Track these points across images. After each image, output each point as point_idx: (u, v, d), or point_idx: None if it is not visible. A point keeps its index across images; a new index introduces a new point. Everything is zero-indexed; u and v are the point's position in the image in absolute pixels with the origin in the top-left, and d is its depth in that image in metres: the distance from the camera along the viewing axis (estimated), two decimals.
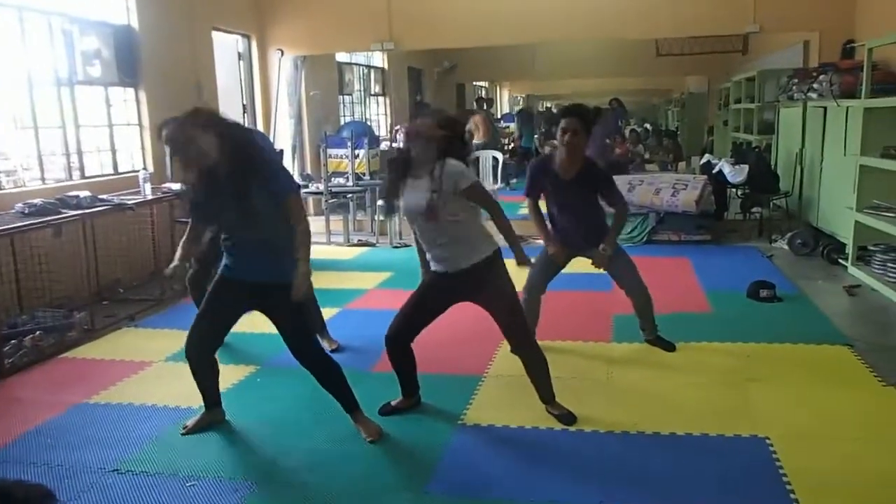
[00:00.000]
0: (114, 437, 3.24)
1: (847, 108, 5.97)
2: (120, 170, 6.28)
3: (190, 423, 3.29)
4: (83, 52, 5.84)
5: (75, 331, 4.58)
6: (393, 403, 3.45)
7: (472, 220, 3.19)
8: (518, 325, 3.29)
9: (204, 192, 2.99)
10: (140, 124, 6.50)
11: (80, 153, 5.81)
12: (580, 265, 4.15)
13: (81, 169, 5.84)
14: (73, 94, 5.72)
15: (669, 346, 4.18)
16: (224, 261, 3.12)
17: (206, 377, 3.25)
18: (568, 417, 3.28)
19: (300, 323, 3.16)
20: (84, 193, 5.06)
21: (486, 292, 3.22)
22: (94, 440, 3.21)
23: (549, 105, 24.18)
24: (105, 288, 5.51)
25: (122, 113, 6.37)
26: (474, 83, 16.76)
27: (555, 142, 4.05)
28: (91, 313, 4.80)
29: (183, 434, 3.24)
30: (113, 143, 6.23)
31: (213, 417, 3.32)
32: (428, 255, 3.25)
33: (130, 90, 6.40)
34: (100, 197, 5.16)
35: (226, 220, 3.02)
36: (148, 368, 4.11)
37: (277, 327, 3.14)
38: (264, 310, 3.15)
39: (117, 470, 2.94)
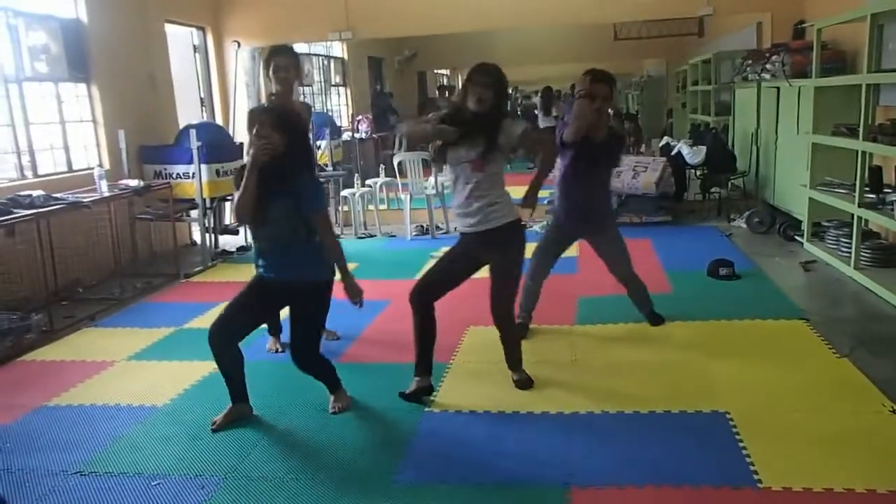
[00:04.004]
0: (76, 439, 3.19)
1: (799, 87, 6.09)
2: (74, 167, 6.14)
3: (218, 418, 3.25)
4: (30, 47, 5.69)
5: (33, 332, 4.48)
6: (408, 391, 3.40)
7: (502, 182, 3.35)
8: (510, 295, 3.43)
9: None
10: (94, 120, 6.36)
11: (31, 151, 5.67)
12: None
13: (34, 167, 5.69)
14: (22, 90, 5.57)
15: (658, 321, 4.30)
16: (259, 261, 3.23)
17: (231, 369, 3.26)
18: (526, 382, 3.45)
19: (311, 331, 3.28)
20: (37, 192, 4.93)
21: (506, 254, 3.34)
22: (56, 443, 3.16)
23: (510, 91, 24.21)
24: (64, 288, 5.39)
25: (74, 109, 6.23)
26: (436, 71, 16.67)
27: None
28: (49, 314, 4.70)
29: (213, 430, 3.18)
30: (66, 140, 6.08)
31: (240, 411, 3.28)
32: (460, 211, 3.34)
33: (82, 86, 6.25)
34: (54, 195, 5.03)
35: (268, 216, 3.08)
36: (110, 368, 4.05)
37: (292, 327, 3.24)
38: (292, 307, 3.24)
39: (80, 472, 2.90)
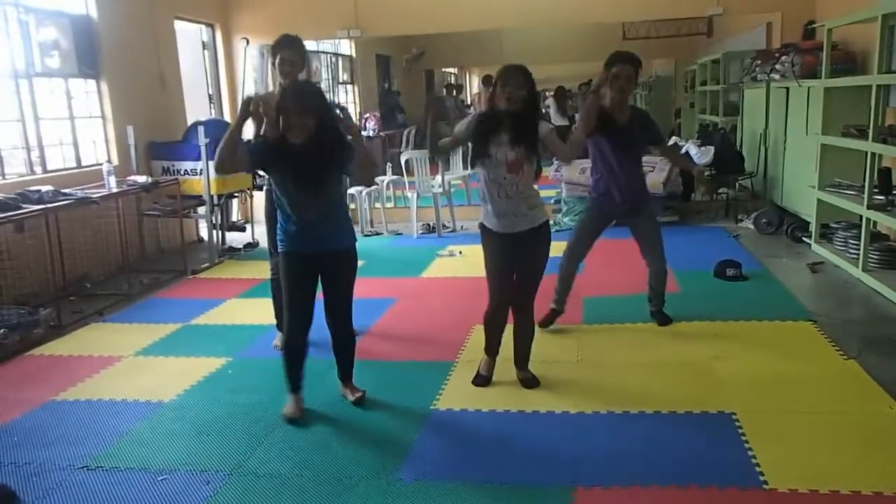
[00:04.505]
0: (83, 433, 3.21)
1: (808, 88, 6.06)
2: (83, 163, 6.16)
3: (290, 410, 3.26)
4: (41, 43, 5.71)
5: (41, 327, 4.50)
6: (483, 372, 3.57)
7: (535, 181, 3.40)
8: (534, 291, 3.45)
9: (285, 157, 3.07)
10: (103, 116, 6.39)
11: (41, 147, 5.70)
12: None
13: (43, 163, 5.72)
14: (32, 86, 5.60)
15: (666, 321, 4.30)
16: (289, 239, 3.21)
17: (301, 365, 3.30)
18: (531, 381, 3.48)
19: (350, 292, 3.36)
20: (46, 188, 4.96)
21: (535, 253, 3.38)
22: (63, 437, 3.17)
23: None
24: (72, 283, 5.42)
25: (83, 105, 6.25)
26: (443, 69, 16.66)
27: None
28: (57, 309, 4.72)
29: (301, 423, 3.20)
30: (75, 135, 6.11)
31: (300, 400, 3.32)
32: (497, 211, 3.30)
33: (92, 82, 6.28)
34: (63, 191, 5.06)
35: (303, 194, 3.11)
36: (117, 364, 4.06)
37: (330, 290, 3.29)
38: (326, 275, 3.28)
39: (86, 466, 2.91)
